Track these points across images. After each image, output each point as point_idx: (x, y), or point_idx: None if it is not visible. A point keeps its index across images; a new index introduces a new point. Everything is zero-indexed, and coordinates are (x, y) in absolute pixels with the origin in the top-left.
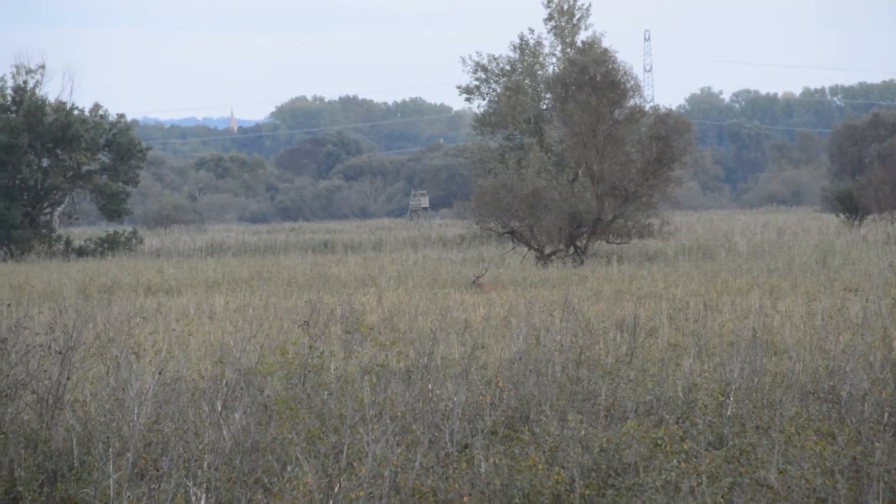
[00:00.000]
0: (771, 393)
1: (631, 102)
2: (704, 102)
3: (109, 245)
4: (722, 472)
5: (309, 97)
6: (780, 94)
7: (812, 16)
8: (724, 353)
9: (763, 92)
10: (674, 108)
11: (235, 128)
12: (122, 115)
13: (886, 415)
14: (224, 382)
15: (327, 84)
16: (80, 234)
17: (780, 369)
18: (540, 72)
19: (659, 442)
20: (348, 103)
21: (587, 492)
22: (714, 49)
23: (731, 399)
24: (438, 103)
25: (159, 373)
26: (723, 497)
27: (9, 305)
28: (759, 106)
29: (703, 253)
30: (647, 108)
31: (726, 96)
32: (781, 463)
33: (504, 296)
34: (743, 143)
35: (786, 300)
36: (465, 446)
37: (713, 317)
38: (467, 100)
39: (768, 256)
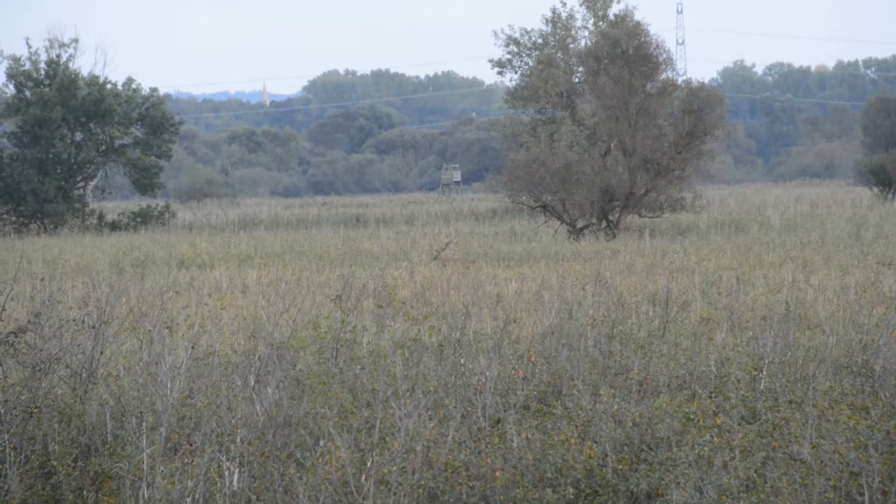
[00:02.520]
0: (804, 367)
1: (663, 76)
2: (737, 76)
3: (142, 219)
4: (755, 447)
5: (341, 71)
6: (813, 67)
7: None
8: (757, 328)
9: (796, 65)
10: (706, 81)
11: (268, 102)
12: (154, 89)
13: None
14: (257, 357)
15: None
16: (113, 208)
17: (814, 343)
18: (572, 45)
19: (691, 416)
20: (380, 77)
21: (620, 466)
22: (747, 22)
23: (764, 373)
24: (470, 77)
25: (192, 347)
26: (756, 471)
27: (42, 279)
28: (791, 79)
29: (736, 227)
30: (679, 81)
31: (759, 69)
32: (814, 437)
33: (425, 272)
34: (776, 117)
35: (819, 274)
36: (498, 421)
37: (746, 291)
38: (499, 73)
39: (801, 230)
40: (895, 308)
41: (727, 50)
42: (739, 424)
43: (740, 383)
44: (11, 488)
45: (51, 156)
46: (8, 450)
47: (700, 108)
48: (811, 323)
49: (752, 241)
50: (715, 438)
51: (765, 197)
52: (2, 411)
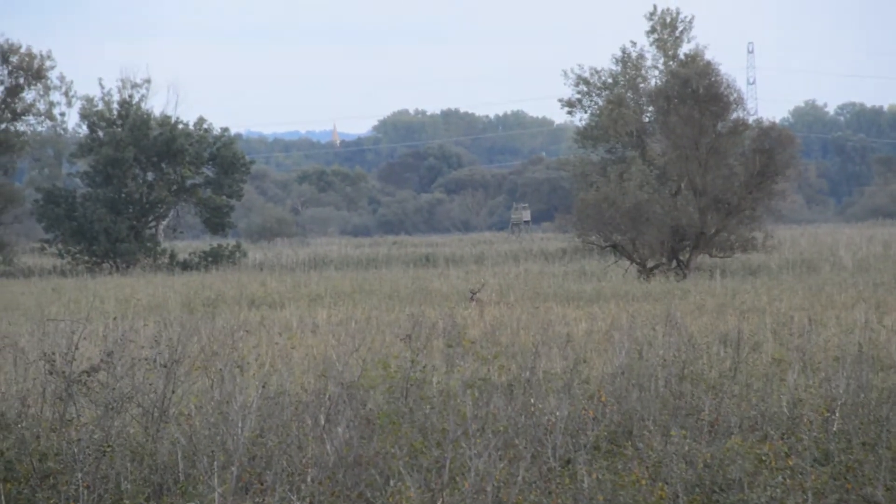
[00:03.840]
0: (878, 409)
1: (734, 115)
2: (808, 115)
3: (213, 258)
4: (828, 489)
5: (411, 111)
6: (885, 107)
7: None
8: (830, 368)
9: (868, 104)
10: (777, 120)
11: (338, 141)
12: (225, 129)
13: None
14: (327, 396)
15: (429, 98)
16: (185, 247)
17: (887, 385)
18: (642, 84)
19: (763, 458)
20: (450, 116)
21: None
22: (818, 61)
23: (837, 415)
24: (540, 116)
25: (263, 386)
26: None
27: (115, 319)
28: (864, 118)
29: (808, 267)
30: (750, 120)
31: (831, 109)
32: (888, 479)
33: (495, 311)
34: (848, 157)
35: (892, 315)
36: (568, 461)
37: (818, 331)
38: (569, 113)
39: (874, 270)
40: None
41: (799, 89)
42: (812, 466)
43: (813, 425)
44: None
45: (123, 195)
46: (81, 488)
47: (771, 147)
48: (885, 364)
49: (824, 282)
50: (787, 480)
51: (837, 237)
52: (75, 450)
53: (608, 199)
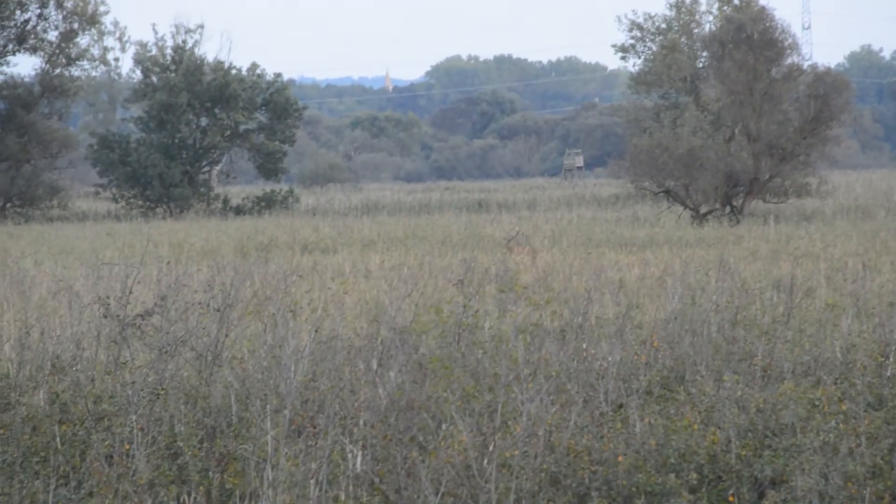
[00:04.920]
0: None
1: (788, 61)
2: (864, 60)
3: (266, 203)
4: (881, 434)
5: (464, 56)
6: None
7: None
8: (884, 314)
9: None
10: (832, 66)
11: (391, 87)
12: (278, 75)
13: None
14: (379, 341)
15: (482, 43)
16: (238, 192)
17: None
18: (696, 30)
19: (816, 403)
20: (503, 62)
21: (743, 452)
22: (874, 6)
23: (891, 360)
24: (593, 62)
25: (315, 331)
26: (882, 458)
27: (168, 263)
28: None
29: (862, 212)
30: (805, 66)
31: (886, 54)
32: None
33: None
34: None
35: None
36: (620, 406)
37: (872, 277)
38: (623, 58)
39: None
40: None
41: (854, 34)
42: (865, 411)
43: (866, 370)
44: (139, 468)
45: (177, 140)
46: (135, 431)
47: (826, 93)
48: None
49: (878, 227)
50: (840, 425)
51: (892, 182)
52: (129, 393)
53: (661, 144)
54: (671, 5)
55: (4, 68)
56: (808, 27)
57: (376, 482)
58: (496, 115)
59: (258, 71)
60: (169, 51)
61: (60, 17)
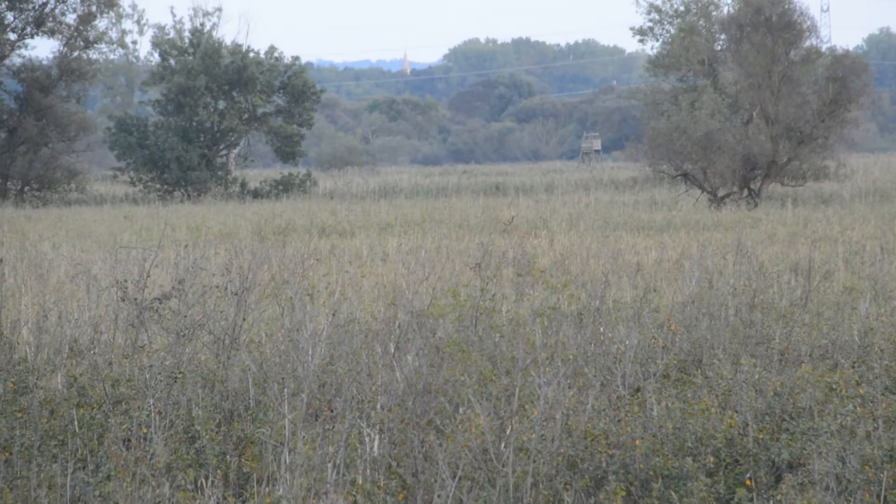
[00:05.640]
0: None
1: (807, 43)
2: (883, 43)
3: (284, 187)
4: None
5: (482, 39)
6: None
7: None
8: None
9: None
10: (851, 48)
11: (408, 70)
12: (296, 58)
13: None
14: (397, 324)
15: (500, 26)
16: (255, 175)
17: None
18: (714, 12)
19: (834, 386)
20: (521, 45)
21: (761, 436)
22: None
23: None
24: (611, 45)
25: (333, 314)
26: None
27: (186, 246)
28: None
29: (880, 195)
30: (823, 48)
31: None
32: None
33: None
34: None
35: None
36: (637, 389)
37: (890, 260)
38: (640, 41)
39: None
40: None
41: (873, 17)
42: (883, 394)
43: (884, 353)
44: (157, 452)
45: (194, 124)
46: (153, 414)
47: (844, 75)
48: None
49: None
50: (858, 408)
51: None
52: (147, 376)
53: (679, 127)
54: None
55: (23, 51)
56: (827, 10)
57: (393, 466)
58: (514, 99)
59: (276, 54)
60: (187, 34)
61: (79, 0)
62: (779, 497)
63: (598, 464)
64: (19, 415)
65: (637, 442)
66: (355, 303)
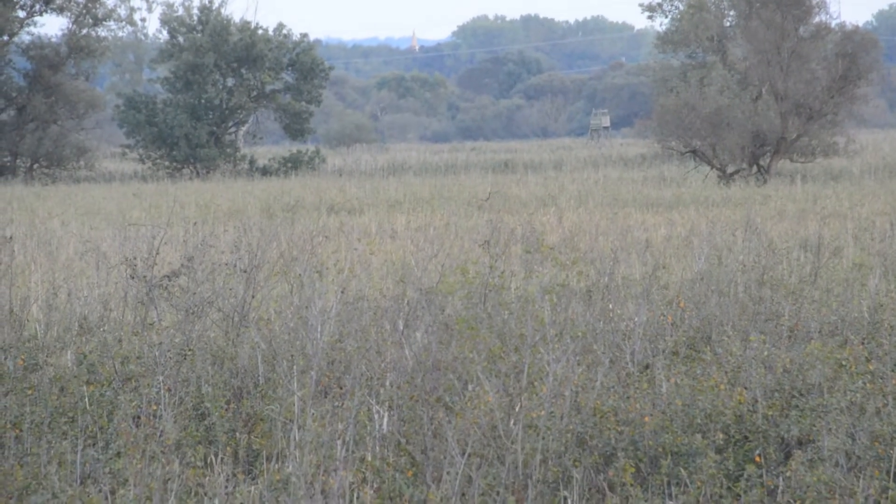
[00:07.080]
0: None
1: (816, 19)
2: (893, 19)
3: (293, 164)
4: None
5: (490, 16)
6: None
7: None
8: None
9: None
10: (860, 24)
11: (417, 47)
12: (305, 35)
13: None
14: (405, 301)
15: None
16: (264, 153)
17: None
18: None
19: (843, 363)
20: (529, 22)
21: (770, 412)
22: None
23: None
24: (620, 21)
25: (342, 291)
26: None
27: (195, 224)
28: None
29: (890, 171)
30: (833, 24)
31: None
32: None
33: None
34: None
35: None
36: (647, 366)
37: None
38: (649, 18)
39: None
40: None
41: None
42: (893, 371)
43: (894, 329)
44: (166, 429)
45: (203, 101)
46: (163, 391)
47: (854, 51)
48: None
49: None
50: (868, 385)
51: None
52: (156, 353)
53: (688, 104)
54: None
55: (31, 28)
56: None
57: (402, 443)
58: (522, 75)
59: (285, 31)
60: (195, 11)
61: None
62: (788, 474)
63: (607, 441)
64: (29, 392)
65: (646, 419)
66: (364, 280)
